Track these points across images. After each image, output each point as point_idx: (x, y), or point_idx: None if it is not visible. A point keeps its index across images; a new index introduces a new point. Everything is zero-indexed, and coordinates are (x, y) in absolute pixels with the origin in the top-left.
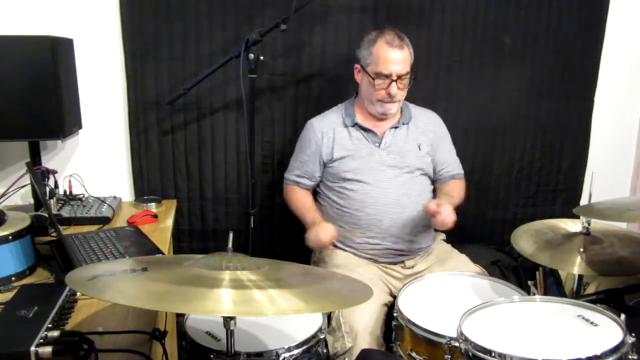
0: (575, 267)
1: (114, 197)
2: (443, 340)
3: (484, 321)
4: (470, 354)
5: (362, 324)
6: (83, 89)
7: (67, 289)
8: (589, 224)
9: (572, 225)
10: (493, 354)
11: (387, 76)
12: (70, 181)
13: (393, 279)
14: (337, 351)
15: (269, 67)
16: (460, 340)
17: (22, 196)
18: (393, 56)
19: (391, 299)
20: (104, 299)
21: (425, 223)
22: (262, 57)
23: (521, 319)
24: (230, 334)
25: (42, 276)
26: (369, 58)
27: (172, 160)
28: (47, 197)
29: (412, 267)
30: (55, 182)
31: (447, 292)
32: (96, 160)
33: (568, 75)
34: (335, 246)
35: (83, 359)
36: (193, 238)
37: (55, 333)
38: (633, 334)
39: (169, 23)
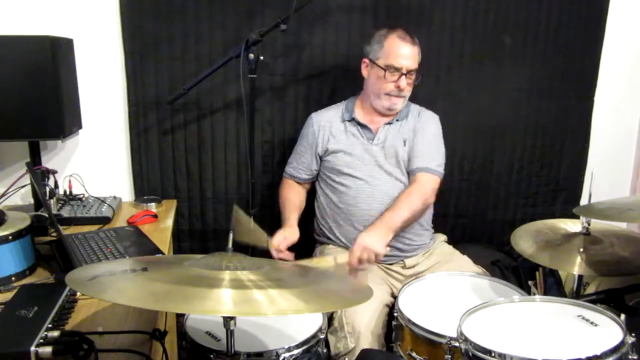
0: (575, 267)
1: (114, 197)
2: (443, 340)
3: (484, 321)
4: (470, 354)
5: (364, 324)
6: (83, 89)
7: (67, 289)
8: (589, 224)
9: (572, 226)
10: (493, 354)
11: (398, 69)
12: (70, 181)
13: (394, 280)
14: (339, 351)
15: (269, 67)
16: (461, 340)
17: (22, 196)
18: (405, 50)
19: (392, 299)
20: (104, 299)
21: (420, 221)
22: (262, 57)
23: (521, 319)
24: (230, 334)
25: (42, 276)
26: (380, 51)
27: (172, 160)
28: (47, 197)
29: (413, 267)
30: (55, 182)
31: (447, 292)
32: (96, 160)
33: (568, 75)
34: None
35: (83, 359)
36: (193, 238)
37: (55, 333)
38: (633, 334)
39: (169, 23)
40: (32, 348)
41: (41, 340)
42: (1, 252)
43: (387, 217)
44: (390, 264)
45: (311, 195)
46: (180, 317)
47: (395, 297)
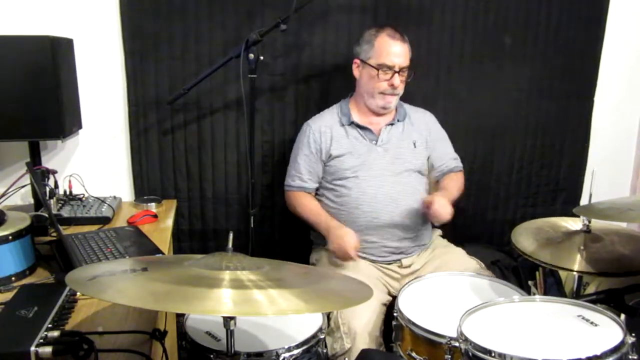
0: (575, 265)
1: (114, 197)
2: (443, 340)
3: (484, 321)
4: (470, 354)
5: (360, 325)
6: (83, 89)
7: (67, 289)
8: (590, 222)
9: (573, 224)
10: (493, 354)
11: (390, 67)
12: (70, 181)
13: (391, 279)
14: (336, 352)
15: (269, 67)
16: (460, 340)
17: (22, 196)
18: (396, 49)
19: (390, 298)
20: (104, 299)
21: (421, 220)
22: (262, 57)
23: (521, 319)
24: (230, 334)
25: (42, 276)
26: (371, 51)
27: (172, 160)
28: (47, 197)
29: (409, 266)
30: (55, 182)
31: (447, 292)
32: (96, 160)
33: (568, 75)
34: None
35: (83, 359)
36: (193, 238)
37: (55, 333)
38: (633, 334)
39: (169, 23)
40: (32, 348)
41: (41, 340)
42: (1, 252)
43: (446, 193)
44: (389, 264)
45: None
46: (180, 317)
47: (392, 296)
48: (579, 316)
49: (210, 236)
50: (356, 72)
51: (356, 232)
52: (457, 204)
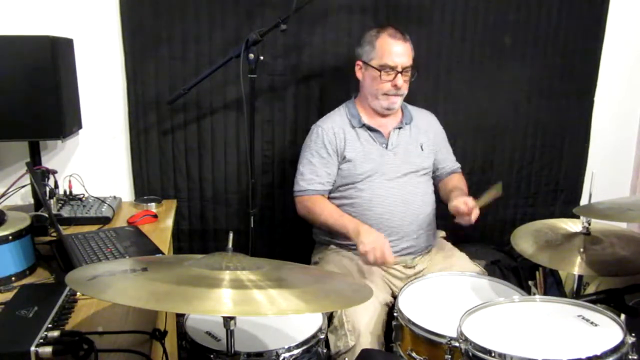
0: (575, 267)
1: (114, 197)
2: (443, 340)
3: (484, 321)
4: (470, 354)
5: (364, 323)
6: (83, 89)
7: (67, 289)
8: (589, 224)
9: (572, 225)
10: (493, 354)
11: (393, 68)
12: (70, 181)
13: (394, 279)
14: (339, 350)
15: (269, 67)
16: (461, 340)
17: (22, 196)
18: (398, 48)
19: (392, 299)
20: (104, 299)
21: (430, 222)
22: (262, 57)
23: (521, 319)
24: (230, 334)
25: (42, 276)
26: (373, 52)
27: (172, 160)
28: (47, 197)
29: (414, 266)
30: (55, 182)
31: (447, 292)
32: (96, 160)
33: (568, 75)
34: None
35: (83, 359)
36: (193, 238)
37: (55, 333)
38: (633, 334)
39: (169, 23)
40: (32, 348)
41: (41, 340)
42: (1, 252)
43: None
44: (394, 264)
45: None
46: (180, 317)
47: (395, 296)
48: (579, 316)
49: (210, 236)
50: (359, 74)
51: None
52: None
